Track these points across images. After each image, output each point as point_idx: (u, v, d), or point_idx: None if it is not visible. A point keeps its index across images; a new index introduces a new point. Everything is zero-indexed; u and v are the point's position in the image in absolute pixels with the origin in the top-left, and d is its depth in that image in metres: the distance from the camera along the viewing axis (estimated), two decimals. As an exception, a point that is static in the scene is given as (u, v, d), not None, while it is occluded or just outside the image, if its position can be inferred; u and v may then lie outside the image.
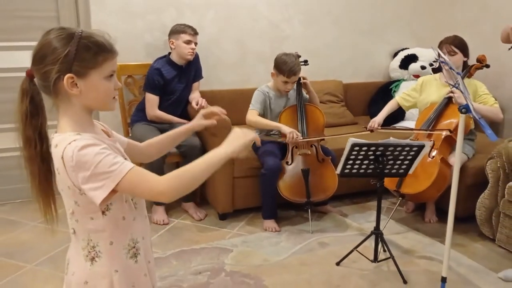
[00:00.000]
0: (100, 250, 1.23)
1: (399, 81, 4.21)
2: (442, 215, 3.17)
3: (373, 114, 4.11)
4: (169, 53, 3.38)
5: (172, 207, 3.36)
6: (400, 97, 3.37)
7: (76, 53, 1.14)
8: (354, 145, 2.37)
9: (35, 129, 1.19)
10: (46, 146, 1.20)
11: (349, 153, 2.41)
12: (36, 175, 1.21)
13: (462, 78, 2.57)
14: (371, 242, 2.64)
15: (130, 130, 3.44)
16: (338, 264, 2.65)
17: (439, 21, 4.37)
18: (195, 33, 3.33)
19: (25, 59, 3.71)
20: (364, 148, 2.40)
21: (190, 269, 2.57)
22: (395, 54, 4.38)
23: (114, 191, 1.12)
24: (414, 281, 2.50)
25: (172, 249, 2.78)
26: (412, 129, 3.22)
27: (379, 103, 4.07)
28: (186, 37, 3.28)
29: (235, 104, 3.19)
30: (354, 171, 2.51)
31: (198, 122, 1.53)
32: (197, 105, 3.29)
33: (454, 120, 2.97)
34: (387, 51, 4.45)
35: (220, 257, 2.71)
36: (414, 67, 4.14)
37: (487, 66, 3.10)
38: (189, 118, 3.45)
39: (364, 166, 2.50)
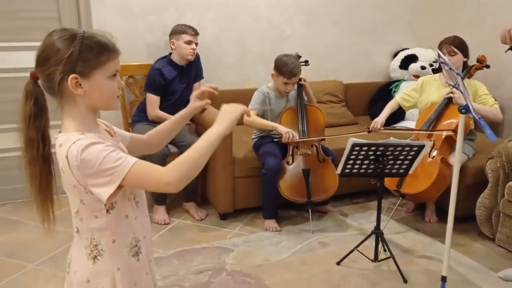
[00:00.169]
0: (103, 249, 1.24)
1: (399, 81, 4.22)
2: (442, 215, 3.18)
3: (373, 114, 4.13)
4: (170, 54, 3.39)
5: (173, 207, 3.37)
6: (400, 97, 3.38)
7: (79, 54, 1.15)
8: (354, 145, 2.38)
9: (38, 131, 1.20)
10: (48, 148, 1.21)
11: (350, 153, 2.42)
12: (37, 177, 1.22)
13: (462, 78, 2.58)
14: (371, 241, 2.66)
15: (131, 130, 3.44)
16: (338, 263, 2.66)
17: (439, 21, 4.38)
18: (195, 33, 3.34)
19: (26, 60, 3.72)
20: (365, 148, 2.41)
21: (191, 269, 2.59)
22: (395, 54, 4.39)
23: (120, 186, 1.13)
24: (414, 280, 2.51)
25: (173, 249, 2.80)
26: (414, 130, 3.21)
27: (379, 103, 4.08)
28: (187, 37, 3.28)
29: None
30: (355, 171, 2.52)
31: (193, 104, 1.54)
32: (198, 105, 3.29)
33: (454, 120, 2.98)
34: (387, 51, 4.46)
35: (221, 257, 2.72)
36: (414, 67, 4.15)
37: (487, 66, 3.11)
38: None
39: (364, 166, 2.51)
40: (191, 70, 3.44)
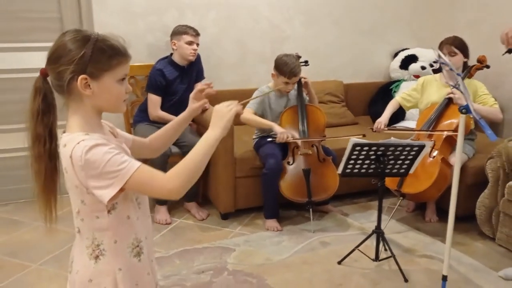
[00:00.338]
0: (104, 249, 1.25)
1: (399, 81, 4.24)
2: (442, 214, 3.19)
3: (374, 114, 4.15)
4: (171, 54, 3.40)
5: (174, 207, 3.38)
6: (400, 97, 3.39)
7: (91, 55, 1.17)
8: (355, 145, 2.39)
9: (46, 127, 1.21)
10: (54, 145, 1.22)
11: (351, 153, 2.43)
12: (42, 173, 1.23)
13: (463, 78, 2.60)
14: (372, 241, 2.67)
15: (132, 131, 3.46)
16: (339, 263, 2.67)
17: (439, 21, 4.40)
18: (196, 34, 3.35)
19: (28, 60, 3.74)
20: (365, 148, 2.42)
21: (193, 268, 2.60)
22: (395, 55, 4.40)
23: (122, 189, 1.14)
24: (415, 279, 2.53)
25: (175, 249, 2.81)
26: (417, 130, 3.19)
27: (379, 103, 4.10)
28: (188, 38, 3.30)
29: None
30: (356, 171, 2.53)
31: (192, 106, 1.55)
32: (199, 105, 3.31)
33: (455, 120, 2.99)
34: (387, 52, 4.47)
35: (222, 257, 2.73)
36: (414, 67, 4.16)
37: (487, 66, 3.13)
38: (191, 118, 3.48)
39: (365, 166, 2.52)
40: (192, 71, 3.46)
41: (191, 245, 2.87)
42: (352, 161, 2.48)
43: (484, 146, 3.20)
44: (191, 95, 1.56)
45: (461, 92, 2.05)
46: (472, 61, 3.19)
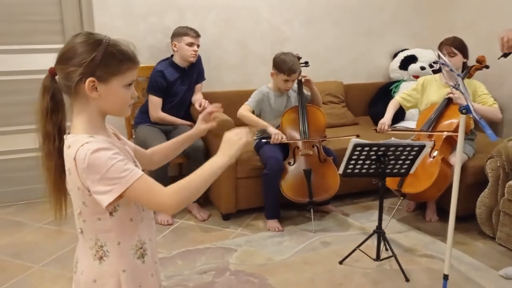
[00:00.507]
0: (108, 250, 1.26)
1: (399, 81, 4.25)
2: (442, 214, 3.21)
3: (374, 115, 4.17)
4: (172, 56, 3.42)
5: (175, 208, 3.39)
6: (400, 97, 3.40)
7: (101, 59, 1.18)
8: (356, 145, 2.41)
9: (55, 125, 1.23)
10: (63, 142, 1.24)
11: (351, 153, 2.44)
12: (52, 171, 1.25)
13: (462, 79, 2.61)
14: (373, 241, 2.68)
15: (133, 132, 3.48)
16: (341, 262, 2.69)
17: (439, 22, 4.41)
18: (197, 35, 3.37)
19: (29, 63, 3.75)
20: (366, 148, 2.43)
21: (195, 269, 2.61)
22: (395, 55, 4.42)
23: (121, 196, 1.15)
24: (416, 279, 2.54)
25: (177, 249, 2.82)
26: (420, 131, 3.17)
27: (379, 103, 4.12)
28: (188, 39, 3.31)
29: (236, 105, 3.22)
30: (356, 171, 2.55)
31: (199, 127, 1.58)
32: (200, 106, 3.33)
33: (455, 120, 3.01)
34: (386, 52, 4.48)
35: (224, 257, 2.74)
36: (413, 67, 4.18)
37: (487, 67, 3.14)
38: (192, 119, 3.49)
39: (366, 166, 2.53)
40: (193, 72, 3.47)
41: (193, 245, 2.88)
42: (353, 161, 2.49)
43: (484, 146, 3.22)
44: (200, 116, 1.58)
45: (461, 92, 2.07)
46: (471, 61, 3.21)
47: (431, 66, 4.13)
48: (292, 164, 3.13)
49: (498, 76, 3.70)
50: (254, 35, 3.95)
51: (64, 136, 1.24)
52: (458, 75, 2.12)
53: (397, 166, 2.55)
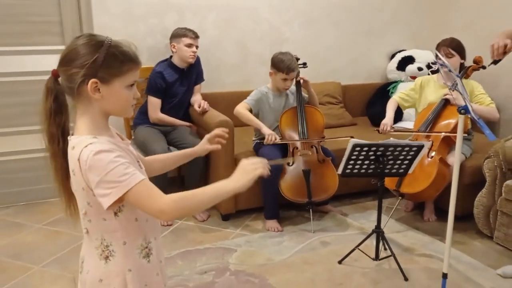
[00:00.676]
0: (114, 250, 1.26)
1: (396, 82, 4.27)
2: (440, 214, 3.23)
3: (371, 115, 4.19)
4: (171, 57, 3.43)
5: (175, 208, 3.39)
6: (399, 97, 3.41)
7: (103, 60, 1.19)
8: (355, 146, 2.42)
9: (59, 127, 1.24)
10: (67, 144, 1.25)
11: (351, 154, 2.46)
12: (59, 171, 1.27)
13: (460, 79, 2.63)
14: (371, 240, 2.70)
15: (132, 133, 3.48)
16: (340, 262, 2.70)
17: (436, 23, 4.44)
18: (196, 36, 3.38)
19: (28, 64, 3.74)
20: (365, 149, 2.45)
21: (195, 269, 2.62)
22: (392, 56, 4.44)
23: (120, 199, 1.16)
24: (414, 278, 2.56)
25: (177, 250, 2.83)
26: (423, 132, 3.15)
27: (377, 104, 4.14)
28: (187, 40, 3.32)
29: (236, 105, 3.24)
30: (355, 171, 2.56)
31: (203, 146, 1.61)
32: (199, 107, 3.34)
33: (452, 120, 3.04)
34: (384, 53, 4.51)
35: (224, 257, 2.75)
36: (411, 68, 4.21)
37: (484, 67, 3.16)
38: (191, 120, 3.51)
39: (365, 166, 2.55)
40: (192, 73, 3.48)
41: (193, 246, 2.89)
42: (352, 162, 2.51)
43: (481, 146, 3.24)
44: (207, 136, 1.61)
45: (460, 92, 2.08)
46: (468, 62, 3.23)
47: (428, 67, 4.16)
48: (291, 165, 3.15)
49: (494, 77, 3.72)
50: (253, 36, 3.96)
51: (68, 137, 1.25)
52: (457, 75, 2.14)
53: (396, 166, 2.57)
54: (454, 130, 2.94)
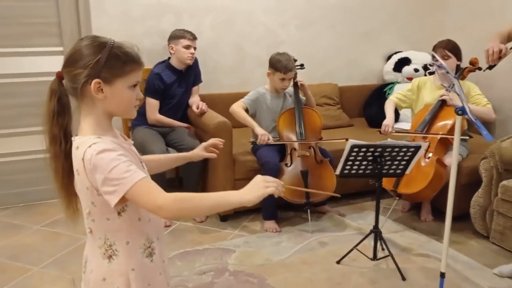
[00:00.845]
0: (117, 249, 1.28)
1: (393, 83, 4.30)
2: (437, 214, 3.26)
3: (368, 116, 4.22)
4: (169, 58, 3.44)
5: (173, 210, 3.40)
6: (396, 98, 3.43)
7: (106, 61, 1.21)
8: (353, 147, 2.44)
9: (61, 128, 1.25)
10: (70, 145, 1.26)
11: (349, 154, 2.48)
12: (60, 172, 1.27)
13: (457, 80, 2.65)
14: (369, 241, 2.72)
15: (131, 134, 3.49)
16: (338, 262, 2.72)
17: (432, 24, 4.47)
18: (194, 38, 3.39)
19: (27, 65, 3.74)
20: (363, 149, 2.47)
21: (194, 270, 2.63)
22: (389, 57, 4.47)
23: (125, 199, 1.17)
24: (412, 278, 2.58)
25: (175, 250, 2.83)
26: (423, 133, 3.14)
27: (373, 105, 4.17)
28: (185, 42, 3.34)
29: (233, 105, 3.26)
30: (353, 171, 2.58)
31: (198, 152, 1.65)
32: (197, 108, 3.35)
33: (449, 121, 3.06)
34: (380, 55, 4.53)
35: (223, 258, 2.76)
36: (407, 70, 4.23)
37: (480, 68, 3.19)
38: (189, 121, 3.52)
39: (363, 167, 2.57)
40: (190, 74, 3.49)
41: (192, 246, 2.90)
42: (350, 162, 2.53)
43: (478, 147, 3.27)
44: (204, 144, 1.65)
45: (457, 94, 2.11)
46: (464, 63, 3.26)
47: (425, 68, 4.19)
48: (289, 166, 3.16)
49: (489, 78, 3.74)
50: (250, 38, 3.98)
51: (72, 138, 1.26)
52: (454, 76, 2.16)
53: (393, 167, 2.59)
54: (451, 131, 2.97)
